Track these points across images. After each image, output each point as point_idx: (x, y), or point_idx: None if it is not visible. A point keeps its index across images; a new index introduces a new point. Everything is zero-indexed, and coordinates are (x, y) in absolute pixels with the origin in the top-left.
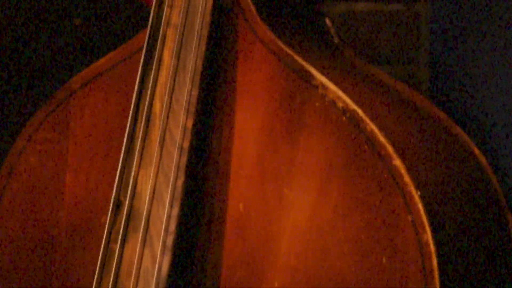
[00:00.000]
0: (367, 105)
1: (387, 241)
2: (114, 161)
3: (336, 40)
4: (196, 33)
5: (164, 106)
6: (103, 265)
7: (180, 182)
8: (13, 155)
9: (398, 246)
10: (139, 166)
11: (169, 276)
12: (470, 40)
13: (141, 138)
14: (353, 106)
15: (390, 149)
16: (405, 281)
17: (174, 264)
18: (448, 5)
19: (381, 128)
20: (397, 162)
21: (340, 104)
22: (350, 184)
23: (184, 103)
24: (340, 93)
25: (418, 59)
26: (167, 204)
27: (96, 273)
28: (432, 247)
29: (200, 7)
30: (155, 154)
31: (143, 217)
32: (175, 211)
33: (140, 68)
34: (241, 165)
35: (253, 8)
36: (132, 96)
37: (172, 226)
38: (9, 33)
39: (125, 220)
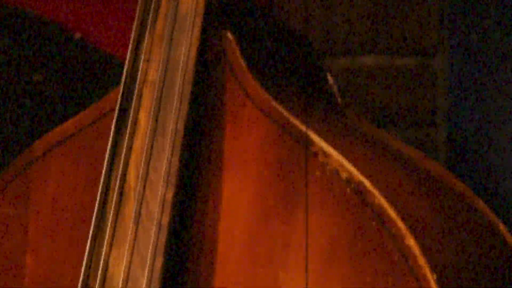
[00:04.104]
0: (375, 176)
1: None
2: (82, 240)
3: (339, 99)
4: (177, 91)
5: (140, 176)
6: None
7: (158, 264)
8: None
9: None
10: (110, 245)
11: None
12: (494, 99)
13: (113, 213)
14: (359, 176)
15: (402, 226)
16: None
17: None
18: (468, 59)
19: (391, 202)
20: (410, 241)
21: (344, 174)
22: (356, 267)
23: (163, 172)
24: (344, 161)
25: (434, 121)
26: None
27: None
28: None
29: (181, 62)
30: (130, 232)
31: None
32: None
33: (112, 132)
34: (229, 244)
35: (243, 62)
36: (102, 164)
37: None
38: None
39: None
